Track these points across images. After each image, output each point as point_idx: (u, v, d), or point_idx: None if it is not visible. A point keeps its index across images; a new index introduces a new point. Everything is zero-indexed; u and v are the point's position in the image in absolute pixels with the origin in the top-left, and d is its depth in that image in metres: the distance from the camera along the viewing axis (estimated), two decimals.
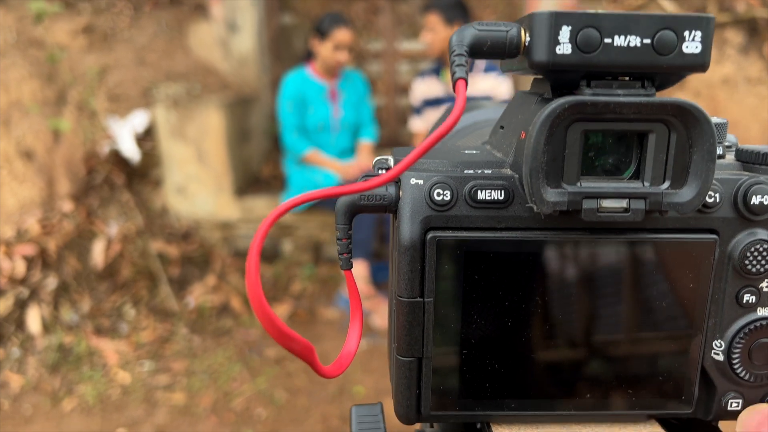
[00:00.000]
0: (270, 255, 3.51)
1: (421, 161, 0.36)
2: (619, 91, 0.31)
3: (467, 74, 0.33)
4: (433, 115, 3.13)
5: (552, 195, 0.31)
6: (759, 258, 0.35)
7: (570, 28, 0.30)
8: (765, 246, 0.35)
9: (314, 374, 2.72)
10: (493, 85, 3.02)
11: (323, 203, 3.20)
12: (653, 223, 0.35)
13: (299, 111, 3.13)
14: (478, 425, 0.40)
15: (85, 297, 3.05)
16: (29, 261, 2.98)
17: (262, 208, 3.45)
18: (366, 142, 3.26)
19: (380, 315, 2.96)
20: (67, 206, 3.23)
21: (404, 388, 0.37)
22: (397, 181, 0.35)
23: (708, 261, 0.35)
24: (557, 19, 0.30)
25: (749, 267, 0.35)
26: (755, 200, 0.34)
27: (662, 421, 0.39)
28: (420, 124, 3.15)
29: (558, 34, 0.30)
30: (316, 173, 3.14)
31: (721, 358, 0.37)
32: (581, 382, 0.37)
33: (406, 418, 0.37)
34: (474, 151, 0.40)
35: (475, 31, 0.33)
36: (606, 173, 0.33)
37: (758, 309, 0.36)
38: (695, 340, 0.36)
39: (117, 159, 3.36)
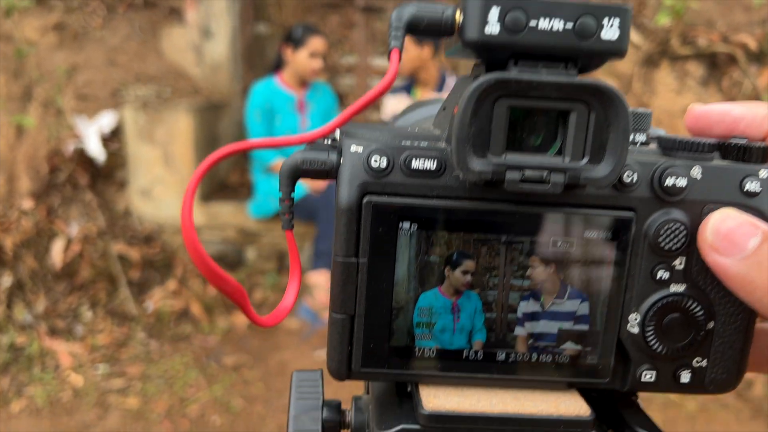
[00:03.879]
0: (233, 262, 3.49)
1: (362, 132, 0.38)
2: (543, 71, 0.34)
3: (402, 46, 0.36)
4: None
5: (477, 164, 0.33)
6: (672, 236, 0.37)
7: (499, 9, 0.32)
8: (677, 225, 0.37)
9: (272, 382, 2.71)
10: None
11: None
12: (576, 198, 0.37)
13: (267, 120, 3.14)
14: (409, 388, 0.41)
15: (40, 297, 2.99)
16: None
17: (228, 214, 3.43)
18: None
19: None
20: (26, 204, 3.17)
21: (336, 343, 0.38)
22: (339, 150, 0.37)
23: (625, 237, 0.37)
24: (487, 0, 0.32)
25: (663, 245, 0.37)
26: (669, 182, 0.37)
27: (583, 393, 0.40)
28: None
29: (487, 15, 0.32)
30: None
31: (636, 330, 0.39)
32: (503, 348, 0.39)
33: (337, 374, 0.39)
34: (416, 129, 0.42)
35: (413, 9, 0.36)
36: (533, 150, 0.35)
37: (671, 285, 0.38)
38: (612, 313, 0.38)
39: (82, 158, 3.32)
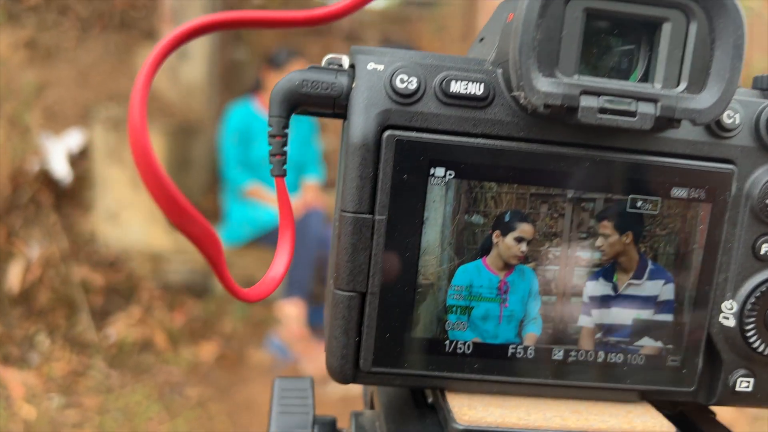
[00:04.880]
0: (200, 290, 3.36)
1: (382, 50, 0.29)
2: None
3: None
4: None
5: (544, 84, 0.25)
6: None
7: None
8: None
9: (238, 418, 2.57)
10: None
11: (262, 239, 3.10)
12: (659, 144, 0.28)
13: (243, 144, 3.05)
14: (430, 399, 0.32)
15: None
16: None
17: None
18: (311, 180, 3.20)
19: (312, 361, 2.84)
20: None
21: (340, 333, 0.28)
22: (351, 70, 0.29)
23: (722, 198, 0.28)
24: None
25: None
26: None
27: (656, 405, 0.31)
28: None
29: None
30: (258, 209, 3.04)
31: (731, 323, 0.29)
32: (563, 343, 0.29)
33: (339, 374, 0.29)
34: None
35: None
36: (611, 74, 0.26)
37: None
38: (701, 299, 0.29)
39: (46, 179, 3.19)
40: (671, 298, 0.28)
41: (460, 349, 0.29)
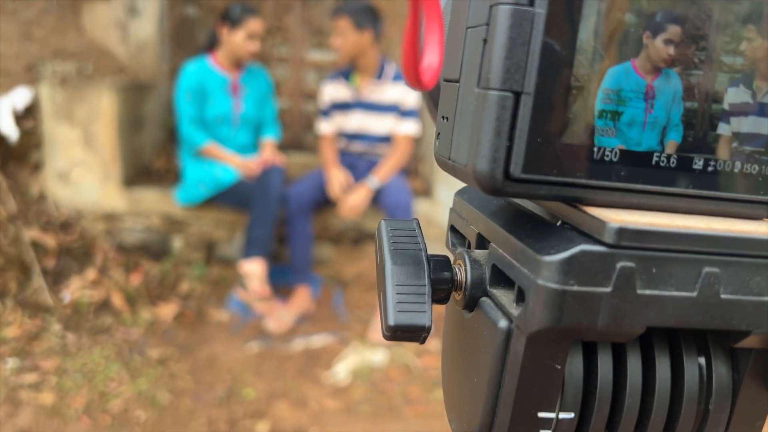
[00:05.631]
0: (158, 252, 3.31)
1: None
2: None
3: None
4: (341, 119, 3.09)
5: None
6: None
7: None
8: None
9: (201, 375, 2.56)
10: (401, 93, 3.02)
11: (219, 198, 3.06)
12: None
13: (198, 102, 2.99)
14: (559, 222, 0.31)
15: None
16: None
17: (152, 201, 3.25)
18: (270, 139, 3.16)
19: (275, 319, 2.85)
20: None
21: (493, 135, 0.27)
22: None
23: None
24: None
25: None
26: None
27: None
28: (327, 127, 3.10)
29: None
30: (215, 167, 3.00)
31: None
32: (702, 152, 0.29)
33: (489, 180, 0.27)
34: None
35: None
36: None
37: None
38: None
39: None
40: None
41: (608, 156, 0.28)
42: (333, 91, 3.10)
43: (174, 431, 2.26)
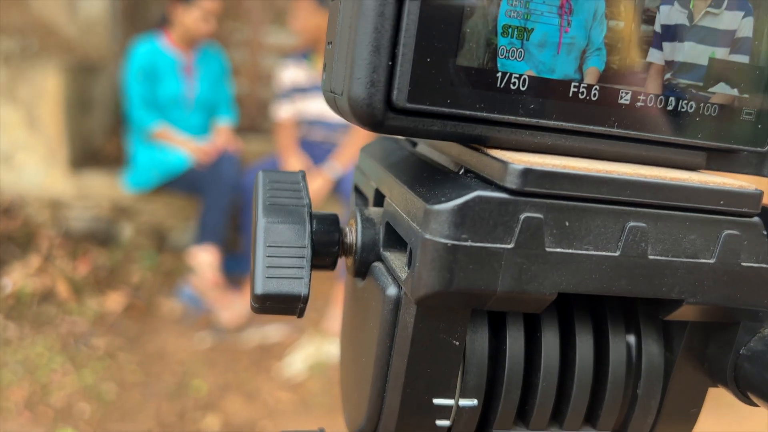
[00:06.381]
0: (104, 238, 3.19)
1: None
2: None
3: None
4: (301, 103, 3.00)
5: None
6: None
7: None
8: None
9: (149, 367, 2.47)
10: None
11: (171, 185, 2.95)
12: None
13: (149, 83, 2.87)
14: (461, 170, 0.26)
15: None
16: None
17: (100, 186, 3.13)
18: (224, 123, 3.06)
19: (228, 309, 2.77)
20: None
21: (370, 50, 0.21)
22: None
23: None
24: None
25: None
26: None
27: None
28: (286, 112, 3.00)
29: None
30: (166, 152, 2.89)
31: None
32: (629, 84, 0.24)
33: (367, 109, 0.22)
34: None
35: None
36: None
37: None
38: None
39: None
40: (749, 35, 0.24)
41: (514, 84, 0.23)
42: (292, 73, 3.01)
43: (120, 425, 2.17)
